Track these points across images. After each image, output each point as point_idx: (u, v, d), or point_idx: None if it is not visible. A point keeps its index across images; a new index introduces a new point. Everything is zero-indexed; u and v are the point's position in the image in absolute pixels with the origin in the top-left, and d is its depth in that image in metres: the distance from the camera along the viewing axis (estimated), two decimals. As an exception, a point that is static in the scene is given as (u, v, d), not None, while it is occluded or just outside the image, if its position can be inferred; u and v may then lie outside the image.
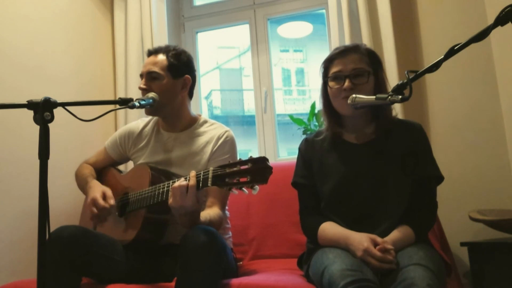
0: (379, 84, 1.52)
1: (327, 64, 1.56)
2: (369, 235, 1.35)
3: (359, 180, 1.49)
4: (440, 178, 1.52)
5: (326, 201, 1.53)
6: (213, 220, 1.55)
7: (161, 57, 1.75)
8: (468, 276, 1.98)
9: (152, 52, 1.79)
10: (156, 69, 1.72)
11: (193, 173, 1.38)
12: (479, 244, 1.84)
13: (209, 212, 1.57)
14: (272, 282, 1.41)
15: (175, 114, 1.79)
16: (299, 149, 1.66)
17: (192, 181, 1.35)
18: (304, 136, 1.73)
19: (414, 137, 1.53)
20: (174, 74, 1.75)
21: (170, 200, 1.38)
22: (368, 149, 1.53)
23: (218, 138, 1.75)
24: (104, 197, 1.61)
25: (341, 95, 1.49)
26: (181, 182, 1.37)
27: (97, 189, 1.65)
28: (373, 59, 1.54)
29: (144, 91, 1.70)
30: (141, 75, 1.76)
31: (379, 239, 1.33)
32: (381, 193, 1.46)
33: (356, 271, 1.21)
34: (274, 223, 2.07)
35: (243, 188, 1.27)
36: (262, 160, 1.25)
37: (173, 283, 1.37)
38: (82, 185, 1.82)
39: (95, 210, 1.60)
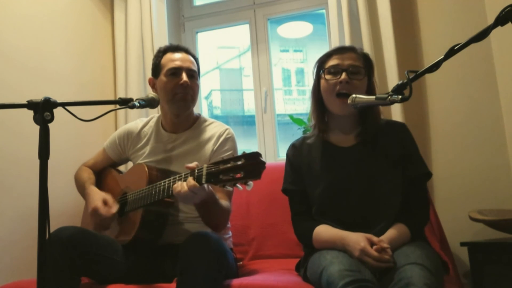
0: (370, 87, 1.56)
1: (324, 58, 1.58)
2: (365, 234, 1.35)
3: (350, 184, 1.49)
4: (428, 175, 1.53)
5: (317, 206, 1.52)
6: (224, 206, 1.58)
7: (192, 58, 1.80)
8: (468, 276, 1.98)
9: (182, 49, 1.80)
10: (195, 68, 1.79)
11: (190, 178, 1.37)
12: (479, 244, 1.84)
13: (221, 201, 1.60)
14: (272, 282, 1.41)
15: (187, 115, 1.81)
16: (287, 155, 1.66)
17: (192, 182, 1.34)
18: (289, 146, 1.72)
19: (401, 137, 1.55)
20: (198, 77, 1.83)
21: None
22: (356, 152, 1.53)
23: (219, 136, 1.76)
24: (106, 204, 1.61)
25: (335, 88, 1.50)
26: (181, 189, 1.35)
27: (97, 197, 1.64)
28: (367, 62, 1.57)
29: (187, 88, 1.72)
30: (177, 69, 1.73)
31: (375, 238, 1.33)
32: (373, 195, 1.47)
33: (354, 271, 1.21)
34: (274, 223, 2.07)
35: (238, 184, 1.27)
36: (255, 156, 1.25)
37: (173, 284, 1.37)
38: (81, 190, 1.82)
39: (98, 220, 1.60)
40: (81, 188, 1.81)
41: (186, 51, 1.81)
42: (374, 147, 1.52)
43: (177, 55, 1.77)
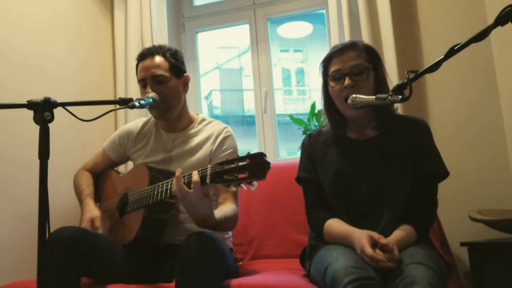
0: (380, 79, 1.52)
1: (326, 63, 1.56)
2: (368, 233, 1.34)
3: (360, 176, 1.49)
4: (444, 174, 1.51)
5: (327, 194, 1.53)
6: (229, 215, 1.55)
7: (160, 58, 1.71)
8: (468, 276, 1.98)
9: (148, 55, 1.72)
10: (161, 71, 1.69)
11: (195, 172, 1.36)
12: (479, 244, 1.84)
13: (223, 208, 1.57)
14: (272, 282, 1.41)
15: (179, 115, 1.78)
16: (303, 144, 1.67)
17: (195, 177, 1.33)
18: (305, 136, 1.73)
19: (417, 134, 1.52)
20: (177, 74, 1.74)
21: (179, 200, 1.39)
22: (370, 146, 1.53)
23: (218, 135, 1.75)
24: (93, 225, 1.62)
25: (342, 94, 1.49)
26: (178, 182, 1.35)
27: (87, 216, 1.65)
28: (372, 55, 1.53)
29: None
30: (143, 80, 1.70)
31: (376, 236, 1.33)
32: (382, 189, 1.47)
33: (359, 269, 1.21)
34: (274, 223, 2.07)
35: (242, 184, 1.27)
36: (260, 156, 1.25)
37: (172, 284, 1.37)
38: (78, 197, 1.82)
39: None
40: (78, 196, 1.81)
41: (153, 52, 1.71)
42: (389, 142, 1.51)
43: (142, 64, 1.71)
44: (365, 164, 1.50)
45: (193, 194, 1.32)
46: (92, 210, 1.68)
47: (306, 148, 1.64)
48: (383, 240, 1.30)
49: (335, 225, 1.47)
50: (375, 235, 1.33)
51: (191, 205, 1.36)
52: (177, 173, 1.35)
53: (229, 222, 1.56)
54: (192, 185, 1.33)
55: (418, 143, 1.50)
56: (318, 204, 1.56)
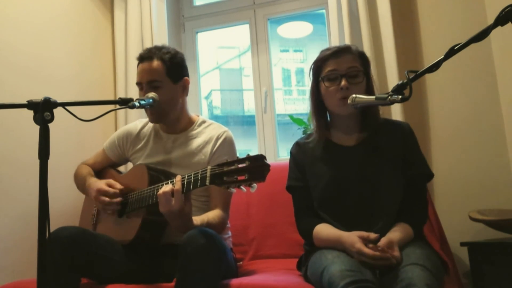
0: (369, 85, 1.55)
1: (320, 64, 1.56)
2: (357, 233, 1.35)
3: (351, 182, 1.49)
4: (430, 176, 1.54)
5: (318, 202, 1.53)
6: (212, 222, 1.55)
7: (157, 62, 1.67)
8: (468, 276, 1.98)
9: (145, 58, 1.69)
10: (155, 77, 1.66)
11: (178, 177, 1.39)
12: (479, 244, 1.85)
13: (208, 215, 1.58)
14: (272, 282, 1.41)
15: (178, 118, 1.78)
16: (291, 152, 1.67)
17: (178, 185, 1.36)
18: (293, 144, 1.73)
19: (403, 137, 1.55)
20: (174, 79, 1.71)
21: (159, 206, 1.40)
22: (358, 151, 1.54)
23: (217, 139, 1.75)
24: (110, 185, 1.64)
25: (337, 95, 1.49)
26: (165, 188, 1.38)
27: (99, 182, 1.67)
28: (364, 60, 1.56)
29: None
30: (139, 84, 1.70)
31: (365, 234, 1.34)
32: (375, 193, 1.47)
33: (355, 272, 1.21)
34: (274, 223, 2.07)
35: (241, 186, 1.27)
36: (260, 158, 1.25)
37: (173, 283, 1.37)
38: (81, 184, 1.82)
39: (105, 199, 1.61)
40: (81, 182, 1.81)
41: (151, 56, 1.68)
42: (377, 146, 1.53)
43: (140, 67, 1.70)
44: (357, 170, 1.51)
45: (174, 202, 1.35)
46: (102, 180, 1.69)
47: (295, 156, 1.64)
48: (372, 235, 1.32)
49: (323, 230, 1.47)
50: (364, 233, 1.34)
51: (169, 211, 1.38)
52: (177, 178, 1.38)
53: (212, 229, 1.54)
54: (173, 193, 1.36)
55: (405, 147, 1.53)
56: (307, 211, 1.56)
